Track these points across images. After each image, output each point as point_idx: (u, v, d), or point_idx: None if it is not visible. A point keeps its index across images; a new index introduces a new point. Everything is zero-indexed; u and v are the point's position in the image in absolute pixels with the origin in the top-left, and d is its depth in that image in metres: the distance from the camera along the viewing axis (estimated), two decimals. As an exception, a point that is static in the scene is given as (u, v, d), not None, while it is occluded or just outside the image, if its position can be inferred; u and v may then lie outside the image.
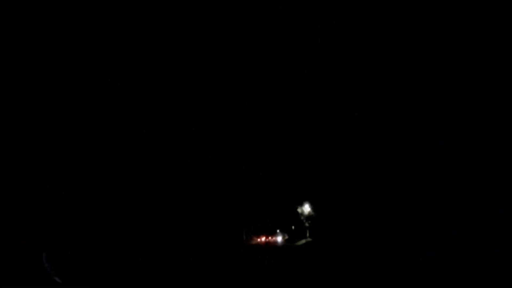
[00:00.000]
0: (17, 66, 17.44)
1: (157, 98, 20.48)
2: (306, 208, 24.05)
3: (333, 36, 19.84)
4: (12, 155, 16.81)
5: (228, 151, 21.59)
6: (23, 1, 17.52)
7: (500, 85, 16.62)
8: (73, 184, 17.97)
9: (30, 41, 17.69)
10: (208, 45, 20.81)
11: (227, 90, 21.39)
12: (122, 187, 19.22)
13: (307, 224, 24.22)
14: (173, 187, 20.57)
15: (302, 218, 24.53)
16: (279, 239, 28.98)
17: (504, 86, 16.53)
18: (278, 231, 29.50)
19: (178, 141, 21.06)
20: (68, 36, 18.52)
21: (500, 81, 16.58)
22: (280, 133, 21.04)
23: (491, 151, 16.34)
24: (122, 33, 19.60)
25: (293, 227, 27.48)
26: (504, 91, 16.48)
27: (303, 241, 24.39)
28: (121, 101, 19.74)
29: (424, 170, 17.18)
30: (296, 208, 24.61)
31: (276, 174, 21.20)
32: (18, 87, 17.50)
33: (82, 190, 18.09)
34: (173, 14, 20.07)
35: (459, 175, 16.25)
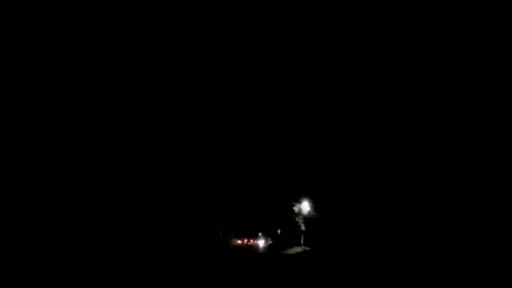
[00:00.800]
0: (18, 67, 17.45)
1: (157, 98, 20.49)
2: (305, 207, 19.18)
3: (333, 36, 19.86)
4: (12, 155, 16.81)
5: (226, 149, 21.58)
6: (24, 1, 17.52)
7: (500, 85, 16.62)
8: (73, 184, 17.97)
9: (30, 42, 17.69)
10: (209, 45, 20.82)
11: (227, 90, 21.40)
12: (121, 187, 19.23)
13: (303, 227, 19.10)
14: (172, 185, 20.54)
15: (297, 219, 19.25)
16: (261, 243, 24.63)
17: (504, 86, 16.53)
18: (260, 234, 24.59)
19: (178, 141, 21.04)
20: (69, 37, 18.52)
21: (500, 81, 16.57)
22: (280, 133, 21.03)
23: (491, 151, 16.33)
24: (123, 34, 19.61)
25: (278, 231, 22.22)
26: (504, 91, 16.47)
27: (299, 249, 19.16)
28: (121, 101, 19.74)
29: (424, 170, 17.18)
30: (292, 206, 19.50)
31: (271, 170, 21.01)
32: (18, 87, 17.51)
33: (82, 190, 18.09)
34: (173, 15, 20.08)
35: (459, 175, 16.25)
